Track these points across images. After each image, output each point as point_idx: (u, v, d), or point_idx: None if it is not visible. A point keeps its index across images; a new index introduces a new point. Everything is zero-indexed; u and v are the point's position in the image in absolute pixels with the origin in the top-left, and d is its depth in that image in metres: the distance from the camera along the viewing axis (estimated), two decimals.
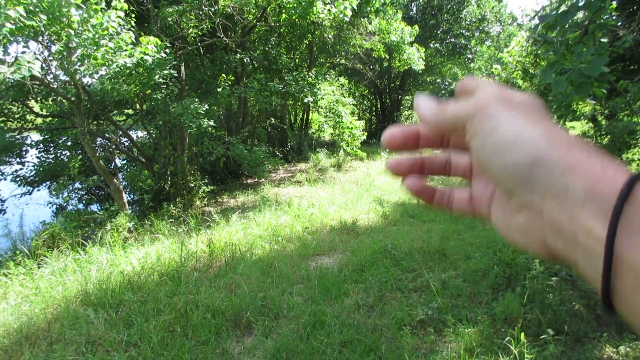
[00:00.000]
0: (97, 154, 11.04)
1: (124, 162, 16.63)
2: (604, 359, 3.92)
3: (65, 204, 13.92)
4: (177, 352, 4.03)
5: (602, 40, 3.32)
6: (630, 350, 3.93)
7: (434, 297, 4.98)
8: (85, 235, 8.62)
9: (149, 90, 10.00)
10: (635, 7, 8.79)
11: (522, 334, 3.98)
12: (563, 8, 3.60)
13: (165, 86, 10.28)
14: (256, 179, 14.48)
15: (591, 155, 0.42)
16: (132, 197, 13.63)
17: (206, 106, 10.23)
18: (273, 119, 16.55)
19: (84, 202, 14.86)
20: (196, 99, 10.24)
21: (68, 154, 14.98)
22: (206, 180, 12.05)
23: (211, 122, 10.22)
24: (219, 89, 11.78)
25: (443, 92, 40.13)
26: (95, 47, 7.78)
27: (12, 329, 4.64)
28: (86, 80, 11.63)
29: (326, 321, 4.56)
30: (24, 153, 14.51)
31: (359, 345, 4.16)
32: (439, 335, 4.41)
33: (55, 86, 10.33)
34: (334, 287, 5.36)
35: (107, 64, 8.09)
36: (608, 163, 0.41)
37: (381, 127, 22.81)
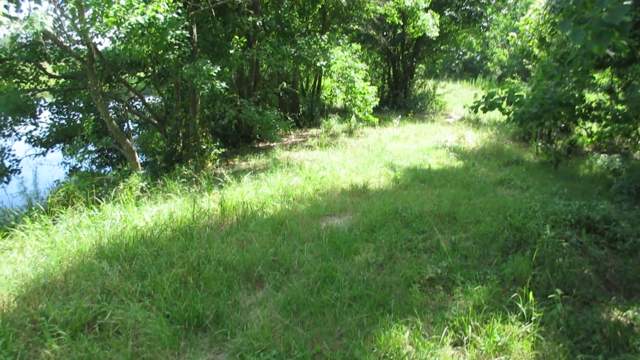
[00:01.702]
0: (110, 115, 11.08)
1: (136, 125, 16.68)
2: (612, 322, 3.94)
3: (79, 163, 14.05)
4: (189, 302, 4.12)
5: None
6: (639, 314, 3.95)
7: (443, 257, 5.02)
8: (99, 194, 8.71)
9: (162, 51, 9.93)
10: None
11: (531, 293, 4.01)
12: None
13: (177, 47, 10.21)
14: (268, 143, 14.49)
15: None
16: (144, 159, 13.72)
17: (218, 68, 10.16)
18: (285, 84, 16.41)
19: (97, 164, 15.00)
20: (208, 61, 10.16)
21: (81, 116, 15.04)
22: (218, 143, 12.07)
23: (223, 84, 10.17)
24: (231, 51, 11.66)
25: (456, 61, 39.45)
26: (107, 5, 7.71)
27: (29, 279, 4.75)
28: (98, 40, 11.59)
29: (336, 277, 4.62)
30: (37, 114, 14.58)
31: (368, 300, 4.23)
32: (448, 292, 4.47)
33: (67, 45, 10.31)
34: (344, 246, 5.41)
35: (118, 22, 8.02)
36: None
37: (394, 94, 22.54)
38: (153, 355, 3.57)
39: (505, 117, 6.92)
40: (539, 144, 13.35)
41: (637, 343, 3.61)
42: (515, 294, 4.10)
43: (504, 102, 6.20)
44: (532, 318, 3.83)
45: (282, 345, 3.61)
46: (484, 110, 6.23)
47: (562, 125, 13.65)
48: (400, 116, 18.12)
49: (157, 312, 4.04)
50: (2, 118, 13.42)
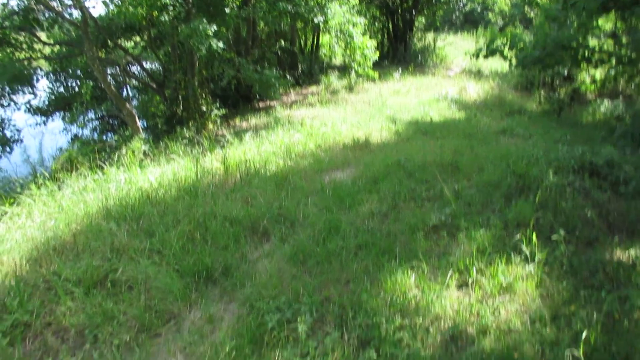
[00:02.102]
0: (108, 81, 11.00)
1: (135, 92, 16.56)
2: (614, 261, 4.01)
3: (80, 130, 14.06)
4: (198, 256, 4.19)
5: None
6: None
7: (447, 205, 5.05)
8: (102, 159, 8.74)
9: (156, 12, 9.77)
10: None
11: (534, 235, 4.05)
12: None
13: (172, 7, 10.03)
14: (268, 102, 14.39)
15: None
16: (145, 124, 13.68)
17: (215, 27, 10.00)
18: (283, 42, 16.15)
19: (98, 131, 14.98)
20: (204, 20, 9.99)
21: (79, 83, 14.95)
22: (218, 104, 12.00)
23: (220, 44, 10.03)
24: (226, 10, 11.45)
25: (457, 13, 38.55)
26: None
27: (39, 242, 4.80)
28: (91, 3, 11.41)
29: (341, 227, 4.68)
30: (35, 83, 14.49)
31: (373, 248, 4.29)
32: (452, 238, 4.52)
33: (60, 10, 10.15)
34: (348, 198, 5.45)
35: None
36: None
37: (393, 48, 22.17)
38: (165, 307, 3.66)
39: (508, 67, 6.84)
40: (542, 92, 13.22)
41: None
42: (519, 236, 4.15)
43: (506, 48, 6.12)
44: (536, 259, 3.89)
45: (291, 292, 3.68)
46: (485, 56, 6.15)
47: (565, 73, 13.47)
48: (400, 70, 17.88)
49: (167, 267, 4.12)
50: (0, 88, 13.35)
